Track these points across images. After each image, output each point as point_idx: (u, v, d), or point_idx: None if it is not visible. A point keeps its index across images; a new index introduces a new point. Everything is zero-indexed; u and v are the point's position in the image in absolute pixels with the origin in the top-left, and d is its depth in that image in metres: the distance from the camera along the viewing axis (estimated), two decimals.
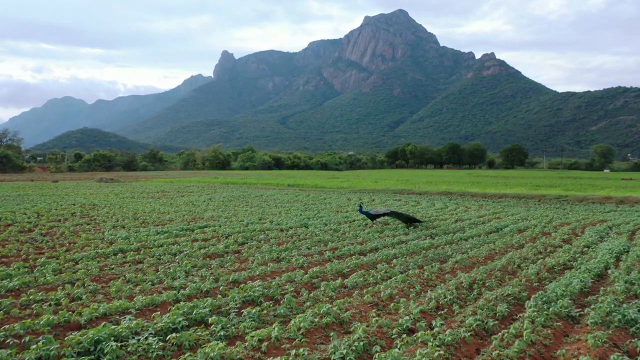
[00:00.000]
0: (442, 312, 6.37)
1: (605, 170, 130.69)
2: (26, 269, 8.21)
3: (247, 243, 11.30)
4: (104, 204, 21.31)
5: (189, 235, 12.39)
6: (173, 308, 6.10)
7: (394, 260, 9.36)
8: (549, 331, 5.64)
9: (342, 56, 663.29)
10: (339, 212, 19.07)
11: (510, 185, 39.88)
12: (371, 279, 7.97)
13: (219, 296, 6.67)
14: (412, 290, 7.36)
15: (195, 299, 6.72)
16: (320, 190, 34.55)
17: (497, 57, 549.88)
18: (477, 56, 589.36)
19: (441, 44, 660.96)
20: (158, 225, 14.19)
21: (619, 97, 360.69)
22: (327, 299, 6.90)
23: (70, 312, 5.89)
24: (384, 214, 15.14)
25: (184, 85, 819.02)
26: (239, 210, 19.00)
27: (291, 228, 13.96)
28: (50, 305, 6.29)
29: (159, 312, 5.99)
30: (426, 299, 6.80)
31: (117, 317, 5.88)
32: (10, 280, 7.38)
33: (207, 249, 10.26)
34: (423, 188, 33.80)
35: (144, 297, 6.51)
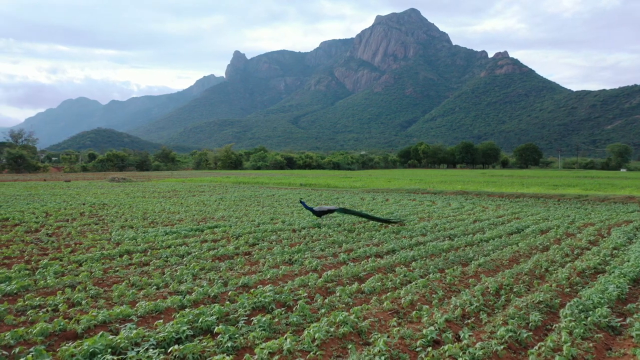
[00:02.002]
0: (468, 321, 5.84)
1: (622, 170, 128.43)
2: (27, 271, 7.83)
3: (258, 244, 10.85)
4: (114, 203, 21.02)
5: (198, 235, 11.97)
6: (178, 315, 5.66)
7: (413, 263, 8.84)
8: (590, 344, 5.10)
9: (354, 56, 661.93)
10: None
11: (526, 184, 39.05)
12: (390, 283, 7.46)
13: (227, 302, 6.22)
14: (434, 296, 6.85)
15: (202, 305, 6.27)
16: (333, 189, 34.06)
17: (511, 55, 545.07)
18: (490, 55, 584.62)
19: (453, 43, 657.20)
20: (167, 226, 13.80)
21: (635, 96, 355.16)
22: (343, 305, 6.40)
23: (67, 320, 5.48)
24: (330, 211, 14.39)
25: (196, 85, 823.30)
26: (250, 210, 18.58)
27: (304, 228, 13.49)
28: (47, 311, 5.88)
29: (162, 320, 5.56)
30: (450, 306, 6.28)
31: (117, 325, 5.45)
32: (9, 284, 7.01)
33: (216, 250, 9.84)
34: (437, 187, 33.16)
35: (147, 303, 6.07)
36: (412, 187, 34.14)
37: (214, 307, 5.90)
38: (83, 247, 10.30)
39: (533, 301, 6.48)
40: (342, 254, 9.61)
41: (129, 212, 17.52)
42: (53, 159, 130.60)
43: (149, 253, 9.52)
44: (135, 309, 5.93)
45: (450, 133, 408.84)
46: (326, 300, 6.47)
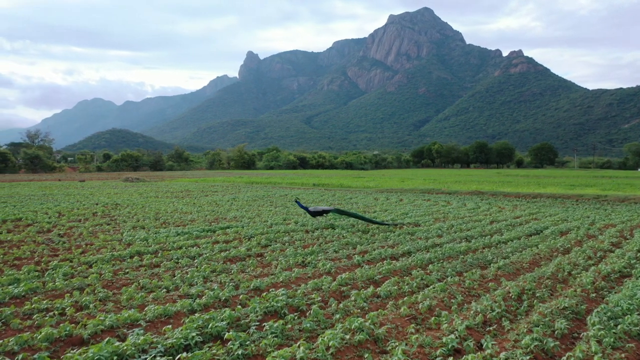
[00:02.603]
0: (490, 328, 5.56)
1: None
2: (37, 273, 7.70)
3: (270, 245, 10.64)
4: (126, 203, 20.99)
5: (210, 236, 11.80)
6: (187, 320, 5.46)
7: (430, 266, 8.56)
8: (622, 355, 4.80)
9: (367, 55, 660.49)
10: (366, 212, 18.29)
11: (543, 184, 38.43)
12: (406, 287, 7.19)
13: (239, 306, 6.01)
14: (453, 301, 6.57)
15: (212, 309, 6.08)
16: (346, 189, 33.79)
17: (525, 54, 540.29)
18: (505, 54, 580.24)
19: (467, 42, 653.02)
20: (179, 226, 13.67)
21: None
22: (359, 310, 6.15)
23: (73, 325, 5.31)
24: (324, 211, 14.20)
25: (209, 85, 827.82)
26: (262, 210, 18.40)
27: (317, 229, 13.26)
28: (53, 315, 5.72)
29: (171, 325, 5.38)
30: (471, 312, 6.00)
31: (125, 330, 5.26)
32: (18, 286, 6.87)
33: (228, 251, 9.65)
34: (452, 187, 32.74)
35: (156, 307, 5.88)
36: (426, 187, 33.75)
37: (224, 311, 5.70)
38: (94, 247, 10.17)
39: (558, 307, 6.18)
40: (356, 256, 9.36)
41: (142, 212, 17.44)
42: (69, 159, 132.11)
43: (159, 254, 9.36)
44: (144, 313, 5.75)
45: (464, 132, 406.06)
46: (341, 305, 6.23)
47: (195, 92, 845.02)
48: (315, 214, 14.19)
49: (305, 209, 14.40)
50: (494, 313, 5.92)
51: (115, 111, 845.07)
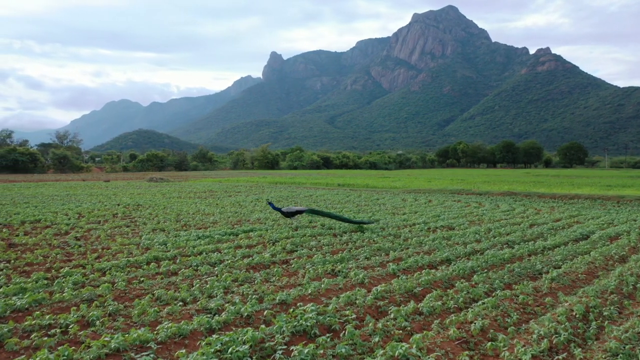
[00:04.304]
0: (559, 357, 4.70)
1: None
2: (45, 281, 7.11)
3: (296, 251, 9.89)
4: (148, 204, 20.55)
5: (232, 240, 11.13)
6: (204, 342, 4.75)
7: (475, 277, 7.68)
8: None
9: (391, 54, 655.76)
10: (395, 214, 17.43)
11: (577, 185, 36.85)
12: (451, 302, 6.35)
13: (262, 326, 5.28)
14: (508, 320, 5.72)
15: (233, 327, 5.36)
16: (372, 190, 32.89)
17: (553, 51, 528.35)
18: (532, 51, 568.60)
19: (493, 40, 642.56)
20: (200, 229, 13.04)
21: None
22: (400, 331, 5.34)
23: (75, 347, 4.65)
24: (298, 212, 13.53)
25: (234, 86, 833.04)
26: None
27: (345, 233, 12.48)
28: (55, 334, 5.06)
29: (185, 349, 4.67)
30: (533, 335, 5.14)
31: (133, 354, 4.57)
32: (22, 296, 6.28)
33: (251, 258, 8.94)
34: (482, 188, 31.54)
35: (170, 324, 5.19)
36: (455, 187, 32.61)
37: (246, 331, 4.97)
38: (110, 252, 9.59)
39: (635, 330, 5.27)
40: (390, 264, 8.55)
41: (163, 213, 16.92)
42: (96, 159, 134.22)
43: (178, 260, 8.70)
44: (156, 332, 5.06)
45: (490, 132, 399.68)
46: (379, 325, 5.43)
47: (220, 92, 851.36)
48: (288, 214, 13.64)
49: (278, 209, 13.87)
50: (560, 337, 5.05)
51: (142, 112, 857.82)
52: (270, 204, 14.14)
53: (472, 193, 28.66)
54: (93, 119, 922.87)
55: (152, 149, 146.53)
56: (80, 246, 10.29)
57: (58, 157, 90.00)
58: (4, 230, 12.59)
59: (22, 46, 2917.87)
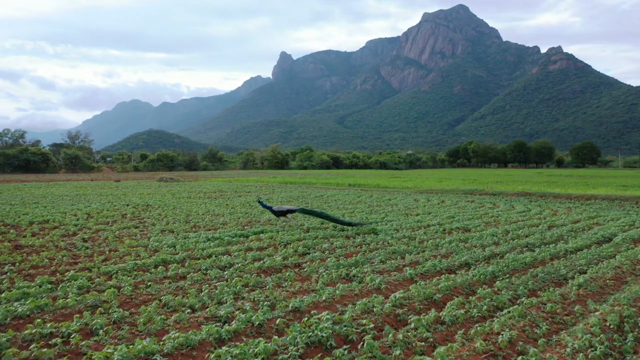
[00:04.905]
0: None
1: None
2: (49, 286, 6.85)
3: (309, 254, 9.56)
4: (158, 204, 20.35)
5: (243, 242, 10.82)
6: (213, 354, 4.44)
7: (497, 283, 7.30)
8: None
9: (400, 54, 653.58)
10: (408, 215, 17.05)
11: (592, 185, 36.14)
12: (474, 310, 5.99)
13: (275, 337, 4.95)
14: (537, 331, 5.34)
15: (244, 337, 5.05)
16: (383, 190, 32.47)
17: (565, 50, 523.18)
18: (543, 50, 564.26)
19: (504, 39, 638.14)
20: (209, 230, 12.76)
21: None
22: (422, 343, 4.99)
23: (76, 358, 4.37)
24: (289, 211, 13.47)
25: (243, 86, 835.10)
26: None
27: (358, 235, 12.13)
28: (56, 344, 4.78)
29: None
30: (566, 349, 4.77)
31: None
32: (25, 302, 6.02)
33: (262, 261, 8.62)
34: (495, 188, 31.01)
35: (177, 334, 4.88)
36: (467, 187, 32.10)
37: (258, 342, 4.65)
38: (117, 255, 9.33)
39: None
40: (407, 268, 8.19)
41: (172, 214, 16.68)
42: (107, 159, 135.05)
43: (186, 264, 8.41)
44: (162, 342, 4.76)
45: (501, 132, 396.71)
46: (399, 335, 5.08)
47: (230, 92, 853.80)
48: (279, 213, 13.56)
49: (269, 208, 13.79)
50: (597, 352, 4.67)
51: (153, 112, 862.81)
52: (260, 202, 14.05)
53: (485, 193, 28.16)
54: (104, 119, 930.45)
55: (162, 149, 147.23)
56: (87, 248, 10.05)
57: (69, 157, 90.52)
58: (12, 231, 12.40)
59: (34, 47, 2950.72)
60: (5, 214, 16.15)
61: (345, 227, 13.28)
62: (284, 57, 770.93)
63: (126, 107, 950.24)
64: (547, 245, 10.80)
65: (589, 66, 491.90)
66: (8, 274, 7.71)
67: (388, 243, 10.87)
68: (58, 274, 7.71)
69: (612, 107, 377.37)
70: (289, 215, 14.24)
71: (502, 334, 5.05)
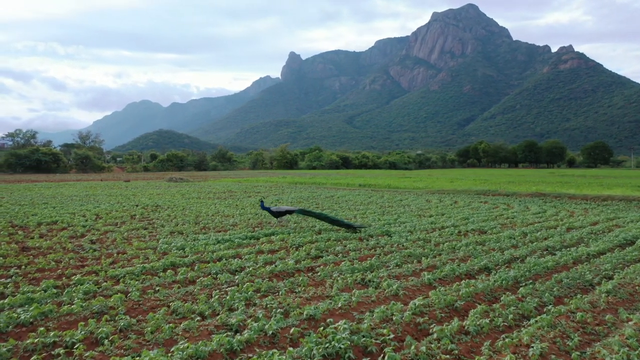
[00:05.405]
0: None
1: None
2: (55, 290, 6.62)
3: (322, 257, 9.26)
4: (167, 205, 20.15)
5: (254, 245, 10.55)
6: None
7: (521, 289, 6.95)
8: None
9: (410, 54, 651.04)
10: (421, 216, 16.70)
11: (606, 185, 35.48)
12: (499, 320, 5.66)
13: (290, 348, 4.66)
14: (569, 343, 5.01)
15: (257, 348, 4.76)
16: (394, 190, 32.09)
17: (576, 49, 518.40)
18: (554, 49, 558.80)
19: (514, 38, 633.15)
20: (219, 232, 12.51)
21: None
22: (447, 356, 4.68)
23: None
24: (288, 212, 13.32)
25: (253, 86, 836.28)
26: None
27: (371, 237, 11.82)
28: (59, 355, 4.53)
29: None
30: None
31: None
32: (28, 309, 5.78)
33: (274, 265, 8.35)
34: (508, 188, 30.51)
35: (186, 344, 4.61)
36: (480, 188, 31.61)
37: (272, 355, 4.37)
38: (125, 257, 9.09)
39: None
40: (425, 272, 7.87)
41: (181, 215, 16.46)
42: (118, 159, 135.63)
43: (196, 267, 8.15)
44: (170, 353, 4.49)
45: (511, 131, 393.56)
46: (422, 347, 4.77)
47: (239, 93, 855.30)
48: (277, 214, 13.43)
49: (267, 209, 13.62)
50: None
51: (162, 112, 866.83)
52: (262, 203, 13.96)
53: (498, 194, 27.69)
54: (115, 119, 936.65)
55: (172, 149, 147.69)
56: (95, 250, 9.83)
57: (80, 157, 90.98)
58: (19, 232, 12.23)
59: (46, 48, 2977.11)
60: (14, 214, 16.02)
61: (358, 229, 12.94)
62: (293, 57, 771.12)
63: (136, 107, 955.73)
64: (568, 249, 10.41)
65: (601, 65, 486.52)
66: (13, 277, 7.50)
67: (403, 246, 10.55)
68: (64, 278, 7.49)
69: (624, 107, 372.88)
70: (287, 216, 14.08)
71: (533, 346, 4.72)
